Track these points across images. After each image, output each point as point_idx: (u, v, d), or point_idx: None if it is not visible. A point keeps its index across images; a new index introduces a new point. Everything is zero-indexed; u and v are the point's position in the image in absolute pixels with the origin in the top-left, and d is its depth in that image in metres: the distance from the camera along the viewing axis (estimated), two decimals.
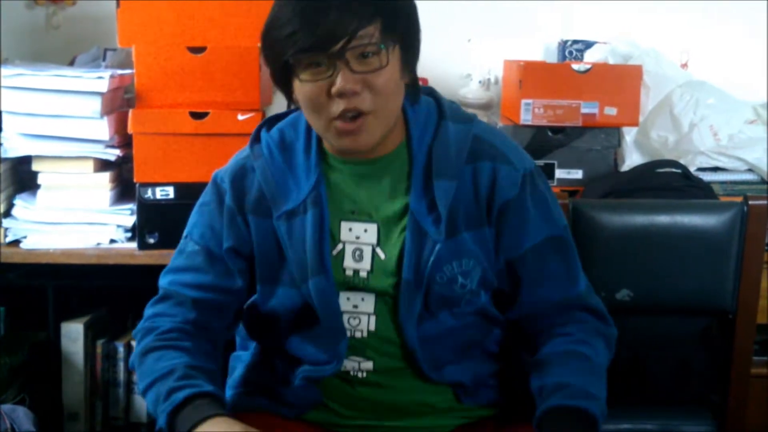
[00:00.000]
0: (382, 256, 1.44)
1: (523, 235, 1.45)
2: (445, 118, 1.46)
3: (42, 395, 2.29)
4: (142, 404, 2.30)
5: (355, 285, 1.45)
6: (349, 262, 1.45)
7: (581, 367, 1.41)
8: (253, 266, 1.48)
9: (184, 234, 1.54)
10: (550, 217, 1.48)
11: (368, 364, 1.46)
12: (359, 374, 1.47)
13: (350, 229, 1.45)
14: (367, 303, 1.45)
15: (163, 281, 1.52)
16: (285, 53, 1.31)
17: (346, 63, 1.30)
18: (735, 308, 1.92)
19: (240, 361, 1.59)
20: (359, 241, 1.45)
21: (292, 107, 1.48)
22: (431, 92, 1.52)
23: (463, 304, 1.45)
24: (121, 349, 2.30)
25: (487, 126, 1.51)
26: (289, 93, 1.40)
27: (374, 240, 1.44)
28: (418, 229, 1.41)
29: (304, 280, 1.43)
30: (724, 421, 1.96)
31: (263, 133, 1.49)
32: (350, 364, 1.47)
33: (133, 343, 2.25)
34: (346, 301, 1.45)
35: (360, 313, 1.45)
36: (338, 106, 1.32)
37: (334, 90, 1.31)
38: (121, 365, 2.30)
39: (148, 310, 1.52)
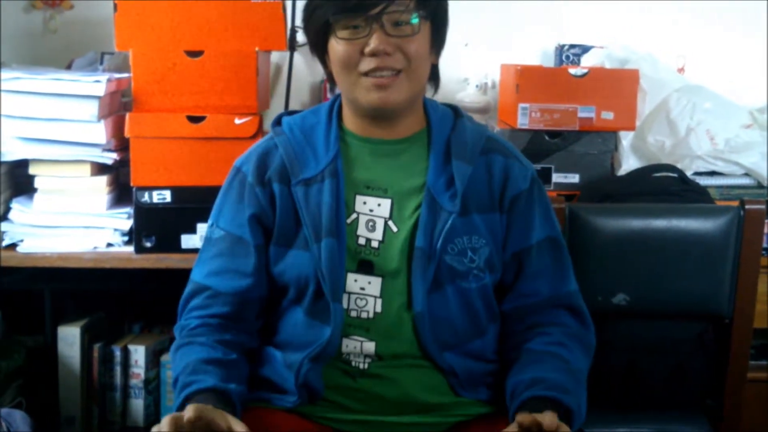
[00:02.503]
0: (394, 229, 1.51)
1: (531, 229, 1.56)
2: (462, 116, 1.60)
3: (39, 399, 2.29)
4: (138, 408, 2.30)
5: (365, 257, 1.50)
6: (362, 231, 1.51)
7: (557, 366, 1.47)
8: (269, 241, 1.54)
9: (210, 222, 1.60)
10: (551, 218, 1.60)
11: (370, 346, 1.48)
12: (360, 364, 1.49)
13: (364, 203, 1.52)
14: (373, 286, 1.50)
15: (195, 275, 1.57)
16: (328, 13, 1.44)
17: (381, 26, 1.43)
18: (731, 312, 1.92)
19: None
20: (373, 213, 1.52)
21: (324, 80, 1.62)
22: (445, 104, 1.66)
23: (471, 278, 1.51)
24: (117, 353, 2.29)
25: (496, 134, 1.66)
26: (323, 58, 1.53)
27: (387, 214, 1.52)
28: (433, 203, 1.50)
29: (316, 241, 1.48)
30: (720, 425, 1.96)
31: (284, 118, 1.61)
32: (352, 343, 1.49)
33: (130, 347, 2.30)
34: (354, 282, 1.50)
35: (367, 295, 1.50)
36: (369, 64, 1.45)
37: (367, 50, 1.44)
38: (118, 369, 2.29)
39: (184, 307, 1.57)
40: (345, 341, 1.49)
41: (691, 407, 2.01)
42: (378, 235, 1.51)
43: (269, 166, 1.54)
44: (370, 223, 1.51)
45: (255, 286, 1.53)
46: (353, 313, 1.49)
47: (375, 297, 1.49)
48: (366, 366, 1.50)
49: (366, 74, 1.46)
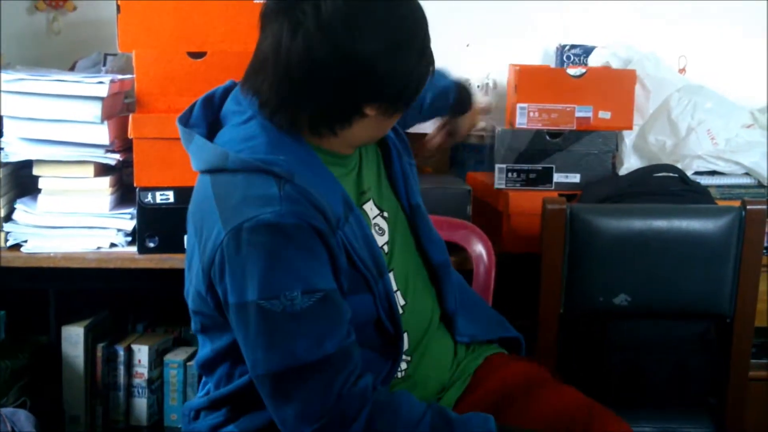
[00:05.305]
0: (386, 215, 1.53)
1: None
2: None
3: (43, 398, 2.29)
4: (142, 407, 2.31)
5: (390, 266, 1.50)
6: (379, 240, 1.49)
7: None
8: None
9: (300, 290, 1.29)
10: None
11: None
12: (398, 374, 1.52)
13: (366, 210, 1.50)
14: (395, 283, 1.51)
15: (329, 347, 1.31)
16: (409, 98, 1.45)
17: None
18: (733, 312, 1.93)
19: None
20: (373, 217, 1.51)
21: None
22: None
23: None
24: (121, 353, 2.30)
25: None
26: (343, 118, 1.38)
27: (378, 211, 1.52)
28: (417, 207, 1.58)
29: (377, 279, 1.42)
30: (722, 424, 1.97)
31: (259, 161, 1.35)
32: None
33: (134, 347, 2.30)
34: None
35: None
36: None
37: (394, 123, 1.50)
38: (122, 369, 2.30)
39: (336, 387, 1.31)
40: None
41: (693, 406, 2.02)
42: (385, 237, 1.51)
43: (323, 214, 1.33)
44: (377, 227, 1.50)
45: None
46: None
47: (397, 291, 1.51)
48: (402, 374, 1.51)
49: None
